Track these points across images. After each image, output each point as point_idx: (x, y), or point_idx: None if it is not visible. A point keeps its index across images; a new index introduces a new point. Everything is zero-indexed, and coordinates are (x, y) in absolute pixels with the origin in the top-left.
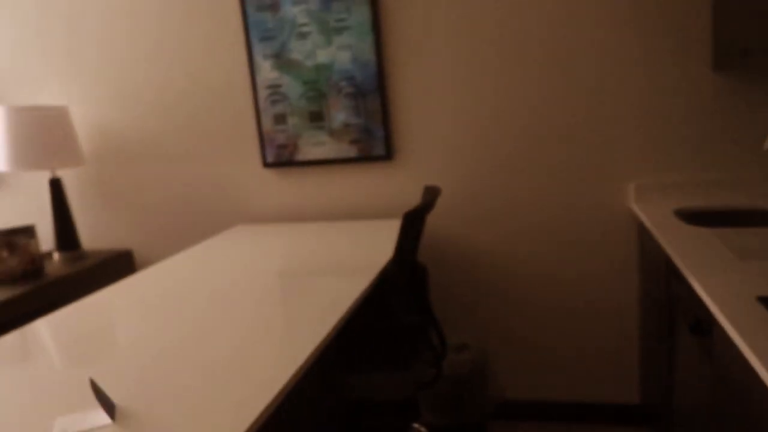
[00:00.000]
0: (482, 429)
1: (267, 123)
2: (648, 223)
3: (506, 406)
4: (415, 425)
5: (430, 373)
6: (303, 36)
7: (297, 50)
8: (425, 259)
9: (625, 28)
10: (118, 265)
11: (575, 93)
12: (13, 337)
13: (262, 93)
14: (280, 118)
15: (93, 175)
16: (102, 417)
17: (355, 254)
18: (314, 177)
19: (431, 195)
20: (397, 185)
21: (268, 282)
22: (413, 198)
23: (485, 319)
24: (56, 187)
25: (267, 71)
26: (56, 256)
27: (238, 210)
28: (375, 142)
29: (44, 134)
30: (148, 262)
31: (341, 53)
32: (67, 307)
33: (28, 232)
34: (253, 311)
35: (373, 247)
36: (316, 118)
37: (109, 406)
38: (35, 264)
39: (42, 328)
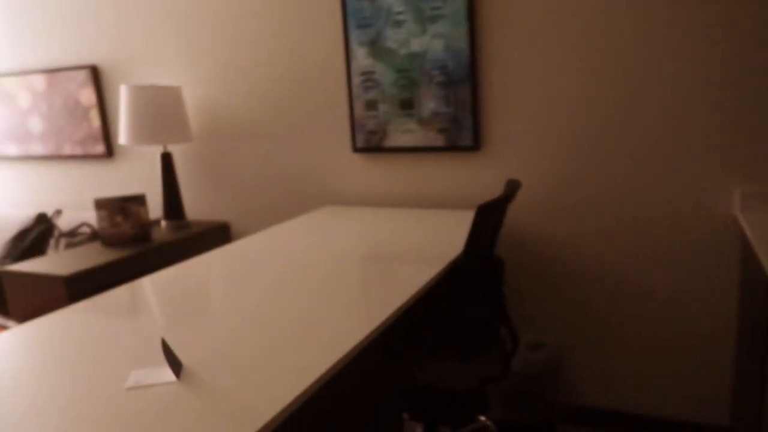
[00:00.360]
0: (551, 430)
1: (359, 109)
2: (751, 236)
3: (578, 411)
4: (482, 418)
5: (497, 369)
6: (398, 24)
7: (392, 38)
8: (506, 253)
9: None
10: (216, 236)
11: (676, 87)
12: (118, 292)
13: (356, 79)
14: (371, 105)
15: (199, 151)
16: (168, 374)
17: (433, 242)
18: (401, 164)
19: (511, 188)
20: (482, 176)
21: (346, 261)
22: (497, 190)
23: (564, 320)
24: (167, 161)
25: (362, 58)
26: (163, 223)
27: (327, 191)
28: (463, 132)
29: (159, 112)
30: (242, 235)
31: (435, 42)
32: (168, 269)
33: (140, 200)
34: (328, 286)
35: (451, 236)
36: (407, 105)
37: (176, 366)
38: (144, 229)
39: (144, 285)
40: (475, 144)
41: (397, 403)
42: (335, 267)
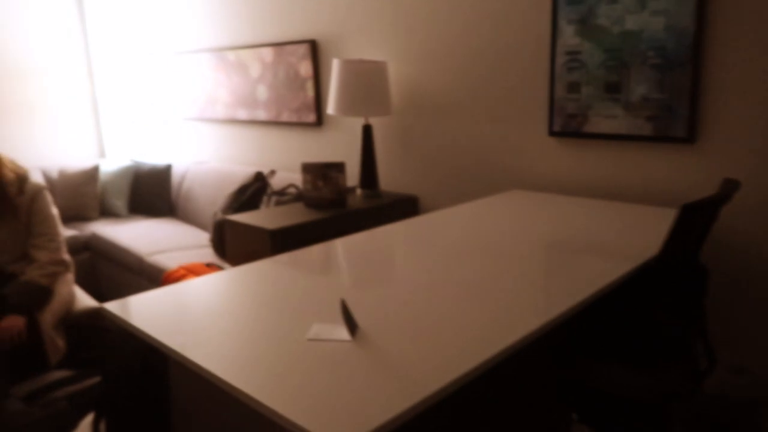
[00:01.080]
0: None
1: (559, 90)
2: None
3: None
4: None
5: (685, 386)
6: (613, 0)
7: (605, 15)
8: (712, 262)
9: None
10: (405, 208)
11: None
12: (313, 249)
13: (560, 59)
14: (573, 87)
15: (396, 125)
16: (344, 333)
17: (627, 238)
18: (600, 151)
19: (727, 189)
20: (692, 172)
21: (531, 246)
22: (709, 190)
23: None
24: (367, 133)
25: (568, 36)
26: (358, 191)
27: (517, 174)
28: (675, 122)
29: (365, 85)
30: (429, 209)
31: (653, 19)
32: (359, 234)
33: (339, 167)
34: (508, 269)
35: (648, 235)
36: (613, 89)
37: (352, 326)
38: (341, 195)
39: (336, 247)
40: (688, 136)
41: (567, 400)
42: (518, 251)
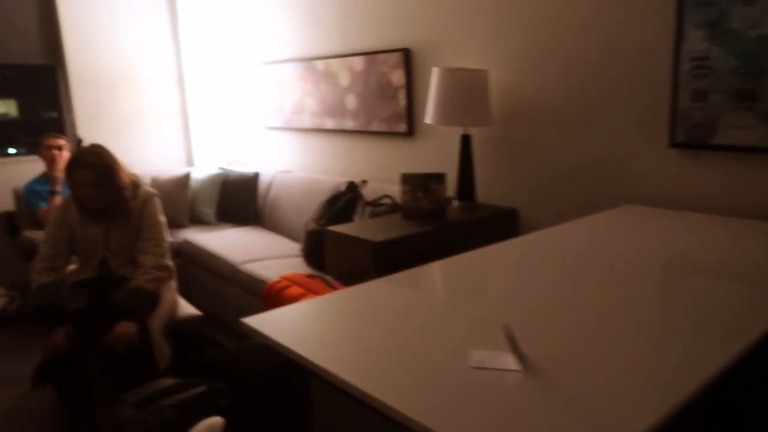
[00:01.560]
0: None
1: (683, 99)
2: None
3: None
4: None
5: None
6: (750, 1)
7: (739, 18)
8: None
9: None
10: (504, 222)
11: None
12: (447, 264)
13: (685, 66)
14: (700, 95)
15: (495, 135)
16: (512, 362)
17: None
18: (731, 164)
19: None
20: None
21: (661, 273)
22: None
23: None
24: (466, 143)
25: (695, 42)
26: (455, 203)
27: (628, 188)
28: None
29: (465, 94)
30: (530, 224)
31: None
32: (476, 251)
33: (440, 178)
34: (652, 301)
35: None
36: (747, 97)
37: (520, 355)
38: (441, 207)
39: (461, 264)
40: None
41: None
42: (650, 278)
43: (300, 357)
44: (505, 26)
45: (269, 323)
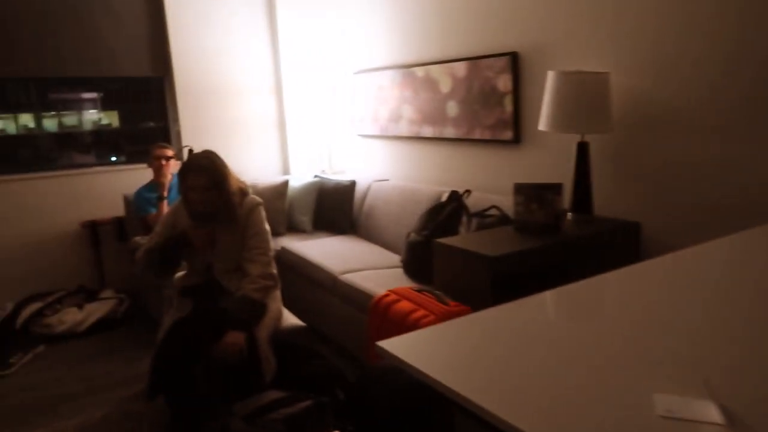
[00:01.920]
0: None
1: None
2: None
3: None
4: None
5: None
6: None
7: None
8: None
9: None
10: (624, 236)
11: None
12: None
13: None
14: None
15: (616, 143)
16: (712, 412)
17: None
18: None
19: None
20: None
21: None
22: None
23: None
24: (582, 151)
25: None
26: (570, 215)
27: None
28: None
29: (583, 99)
30: (655, 240)
31: None
32: (618, 271)
33: (556, 189)
34: None
35: None
36: None
37: (721, 405)
38: (557, 220)
39: (607, 285)
40: None
41: None
42: None
43: (446, 388)
44: (629, 25)
45: (405, 347)
